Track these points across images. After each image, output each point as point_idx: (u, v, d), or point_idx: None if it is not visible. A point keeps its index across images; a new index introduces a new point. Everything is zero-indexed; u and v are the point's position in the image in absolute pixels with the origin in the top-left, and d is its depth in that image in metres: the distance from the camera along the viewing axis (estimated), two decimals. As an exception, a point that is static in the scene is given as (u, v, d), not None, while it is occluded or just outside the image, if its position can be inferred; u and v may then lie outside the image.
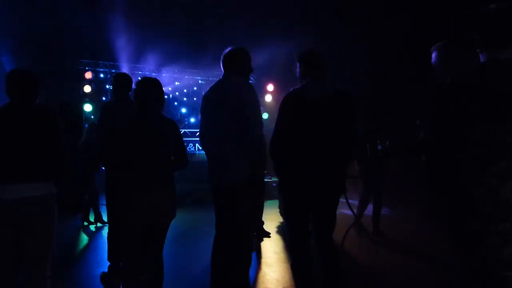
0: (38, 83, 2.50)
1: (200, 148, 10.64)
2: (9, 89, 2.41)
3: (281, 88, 11.21)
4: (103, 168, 3.23)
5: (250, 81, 2.98)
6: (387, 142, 3.09)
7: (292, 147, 2.57)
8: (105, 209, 3.68)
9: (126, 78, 3.72)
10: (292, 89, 2.67)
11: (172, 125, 2.75)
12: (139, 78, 2.94)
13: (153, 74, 11.66)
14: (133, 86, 3.25)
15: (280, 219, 6.13)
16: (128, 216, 2.59)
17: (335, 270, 2.62)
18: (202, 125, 2.93)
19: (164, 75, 11.89)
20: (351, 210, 3.45)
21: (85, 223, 6.27)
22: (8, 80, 2.42)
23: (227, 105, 2.71)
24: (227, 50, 2.86)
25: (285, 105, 2.63)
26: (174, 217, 2.72)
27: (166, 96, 2.88)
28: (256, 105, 2.76)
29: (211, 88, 2.89)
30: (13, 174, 2.26)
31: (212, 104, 2.81)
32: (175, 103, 12.77)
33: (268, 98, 11.94)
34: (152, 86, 2.75)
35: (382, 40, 8.36)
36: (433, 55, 2.41)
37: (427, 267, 4.06)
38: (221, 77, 2.93)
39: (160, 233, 2.72)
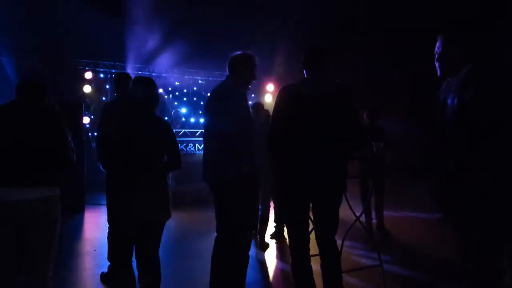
0: (47, 90, 2.53)
1: (200, 148, 10.65)
2: (18, 91, 2.44)
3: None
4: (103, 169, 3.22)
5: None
6: (381, 144, 3.13)
7: (288, 144, 2.56)
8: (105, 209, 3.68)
9: (127, 78, 3.73)
10: (286, 84, 2.67)
11: (165, 125, 2.74)
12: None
13: (153, 74, 11.65)
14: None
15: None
16: (123, 217, 2.58)
17: (336, 271, 2.61)
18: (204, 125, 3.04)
19: (164, 75, 11.89)
20: (351, 210, 3.46)
21: None
22: (18, 87, 2.45)
23: (214, 107, 2.78)
24: (235, 53, 2.89)
25: (279, 100, 2.63)
26: (169, 217, 2.71)
27: (166, 96, 2.93)
28: (239, 106, 2.77)
29: (212, 89, 2.96)
30: (17, 176, 2.26)
31: (205, 106, 2.91)
32: (175, 103, 12.76)
33: (268, 98, 11.97)
34: (145, 85, 2.72)
35: (383, 39, 8.36)
36: (437, 44, 2.35)
37: (429, 266, 4.07)
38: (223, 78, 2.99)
39: (155, 233, 2.69)
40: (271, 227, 5.18)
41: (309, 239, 2.66)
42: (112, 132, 2.68)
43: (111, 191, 3.11)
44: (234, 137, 2.67)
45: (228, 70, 2.90)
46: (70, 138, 2.46)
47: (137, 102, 2.66)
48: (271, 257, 4.54)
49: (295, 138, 2.54)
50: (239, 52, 2.91)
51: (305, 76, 2.76)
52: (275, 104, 2.65)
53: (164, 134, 2.70)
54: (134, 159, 2.56)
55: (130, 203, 2.54)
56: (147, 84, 2.74)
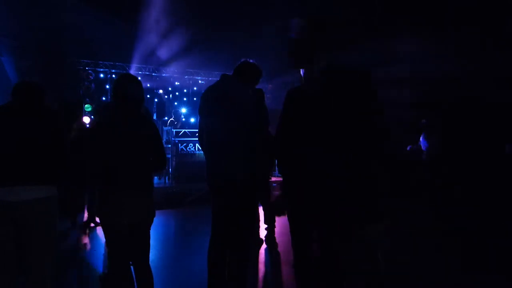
0: (43, 94, 2.53)
1: (200, 148, 10.61)
2: (14, 94, 2.44)
3: (278, 89, 11.25)
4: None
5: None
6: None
7: (294, 146, 2.56)
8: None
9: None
10: (295, 86, 2.69)
11: (151, 125, 2.70)
12: (139, 79, 2.92)
13: (153, 74, 11.66)
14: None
15: (284, 220, 6.13)
16: (114, 218, 2.50)
17: (337, 273, 2.61)
18: (200, 125, 2.95)
19: (164, 75, 11.89)
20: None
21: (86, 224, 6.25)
22: (14, 90, 2.44)
23: (225, 104, 2.73)
24: (249, 60, 2.95)
25: (287, 102, 2.64)
26: (154, 217, 2.67)
27: (166, 96, 2.91)
28: (256, 104, 2.76)
29: (209, 88, 2.92)
30: (17, 176, 2.26)
31: (209, 104, 2.83)
32: (175, 103, 12.77)
33: (267, 100, 12.02)
34: (131, 85, 2.66)
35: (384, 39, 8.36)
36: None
37: (429, 265, 4.07)
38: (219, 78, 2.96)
39: (142, 234, 2.63)
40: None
41: (312, 239, 2.66)
42: (97, 133, 2.63)
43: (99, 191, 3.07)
44: (259, 139, 2.69)
45: (237, 73, 2.89)
46: (68, 139, 2.46)
47: (123, 102, 2.61)
48: (272, 257, 4.54)
49: (309, 139, 2.55)
50: (251, 61, 2.93)
51: (302, 75, 2.77)
52: (284, 108, 2.65)
53: (150, 135, 2.65)
54: (119, 161, 2.50)
55: (116, 205, 2.47)
56: (133, 83, 2.68)
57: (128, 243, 2.57)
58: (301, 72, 2.82)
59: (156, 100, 12.36)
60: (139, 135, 2.58)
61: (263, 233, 5.13)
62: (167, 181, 9.55)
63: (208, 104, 2.87)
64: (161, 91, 12.52)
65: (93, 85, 10.63)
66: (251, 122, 2.71)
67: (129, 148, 2.53)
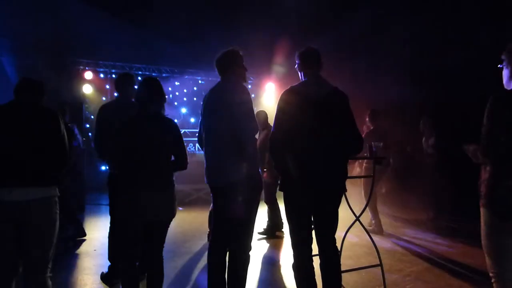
0: (44, 89, 2.55)
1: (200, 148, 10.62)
2: (16, 92, 2.45)
3: (280, 87, 11.23)
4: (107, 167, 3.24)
5: (250, 81, 3.00)
6: (381, 143, 3.16)
7: (291, 144, 2.57)
8: (103, 210, 3.68)
9: (126, 79, 3.74)
10: (290, 86, 2.69)
11: (172, 125, 2.76)
12: (139, 78, 2.96)
13: (153, 74, 11.65)
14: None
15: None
16: (129, 216, 2.60)
17: (335, 271, 2.62)
18: (199, 126, 2.97)
19: (164, 75, 11.89)
20: (351, 209, 3.46)
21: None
22: (16, 87, 2.46)
23: (219, 107, 2.74)
24: (222, 53, 2.87)
25: (283, 102, 2.64)
26: (174, 216, 2.73)
27: (166, 96, 2.92)
28: (248, 107, 2.74)
29: (210, 90, 2.92)
30: (16, 177, 2.26)
31: (206, 106, 2.84)
32: (175, 103, 12.76)
33: (268, 97, 11.97)
34: (152, 86, 2.76)
35: (383, 41, 8.36)
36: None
37: (428, 266, 4.07)
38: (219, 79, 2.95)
39: (160, 232, 2.73)
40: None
41: (311, 239, 2.67)
42: (116, 133, 2.69)
43: (116, 191, 3.13)
44: (246, 138, 2.67)
45: (223, 71, 2.86)
46: (68, 138, 2.47)
47: (143, 103, 2.70)
48: (272, 256, 4.55)
49: (300, 138, 2.56)
50: (224, 51, 2.87)
51: (302, 78, 2.78)
52: (279, 106, 2.65)
53: (170, 134, 2.72)
54: (140, 159, 2.57)
55: (136, 203, 2.56)
56: (148, 84, 2.77)
57: (145, 239, 2.66)
58: (300, 74, 2.82)
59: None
60: (154, 135, 2.64)
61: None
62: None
63: (202, 106, 2.89)
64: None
65: (93, 85, 10.62)
66: (237, 123, 2.67)
67: (146, 147, 2.59)
